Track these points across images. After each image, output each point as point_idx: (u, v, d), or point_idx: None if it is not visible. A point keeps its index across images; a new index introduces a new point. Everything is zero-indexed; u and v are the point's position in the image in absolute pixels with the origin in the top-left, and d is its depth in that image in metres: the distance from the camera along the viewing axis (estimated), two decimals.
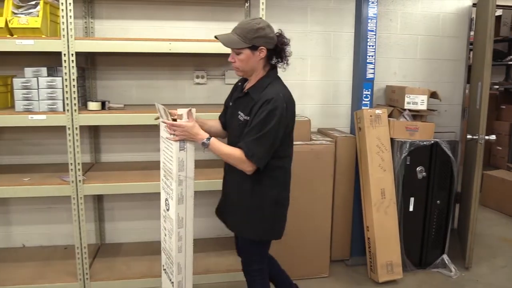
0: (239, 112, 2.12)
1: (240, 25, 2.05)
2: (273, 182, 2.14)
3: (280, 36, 2.12)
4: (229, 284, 2.52)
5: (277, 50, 2.09)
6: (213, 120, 2.40)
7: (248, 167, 2.01)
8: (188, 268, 2.31)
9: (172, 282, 2.32)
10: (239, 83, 2.30)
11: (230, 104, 2.28)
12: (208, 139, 2.05)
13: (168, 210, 2.28)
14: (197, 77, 3.45)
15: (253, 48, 2.03)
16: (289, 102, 2.08)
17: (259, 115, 1.98)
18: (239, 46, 2.02)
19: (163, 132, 2.24)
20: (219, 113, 2.45)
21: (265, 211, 2.15)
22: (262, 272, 2.29)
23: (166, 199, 2.30)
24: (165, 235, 2.36)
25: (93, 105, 2.84)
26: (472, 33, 3.95)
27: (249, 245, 2.25)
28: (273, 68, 2.16)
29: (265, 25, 2.03)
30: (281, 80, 2.16)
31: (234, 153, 2.02)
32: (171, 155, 2.15)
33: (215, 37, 2.08)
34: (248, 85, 2.17)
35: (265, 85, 2.07)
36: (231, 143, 2.14)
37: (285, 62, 2.15)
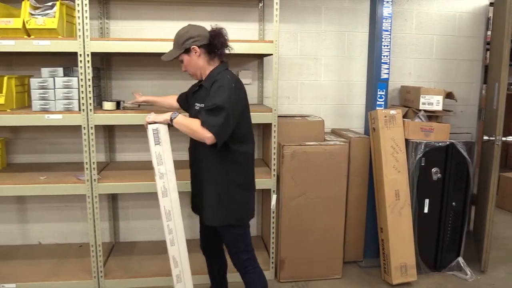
0: (196, 103, 2.31)
1: (173, 40, 2.30)
2: (237, 167, 2.29)
3: (212, 30, 2.28)
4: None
5: (212, 43, 2.25)
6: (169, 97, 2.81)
7: (205, 133, 2.10)
8: (184, 261, 2.36)
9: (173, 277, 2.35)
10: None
11: (189, 102, 2.49)
12: (175, 113, 2.24)
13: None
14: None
15: (187, 51, 2.25)
16: (237, 83, 2.24)
17: (211, 95, 2.17)
18: (176, 54, 2.28)
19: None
20: None
21: (232, 196, 2.28)
22: (252, 262, 2.39)
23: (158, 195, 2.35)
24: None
25: (108, 105, 2.87)
26: (489, 32, 3.89)
27: (229, 234, 2.34)
28: (222, 62, 2.33)
29: (188, 28, 2.27)
30: (231, 71, 2.34)
31: (194, 122, 2.17)
32: (151, 151, 2.26)
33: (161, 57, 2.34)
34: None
35: (215, 74, 2.26)
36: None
37: (226, 49, 2.31)
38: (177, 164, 2.35)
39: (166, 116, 2.23)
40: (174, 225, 2.31)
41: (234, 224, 2.30)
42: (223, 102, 2.11)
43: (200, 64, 2.27)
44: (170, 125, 2.26)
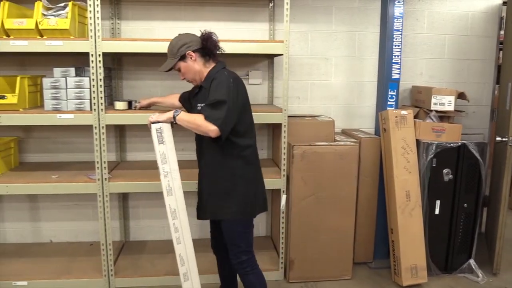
0: (198, 104, 2.34)
1: (167, 52, 2.35)
2: (244, 161, 2.33)
3: (202, 35, 2.33)
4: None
5: (205, 46, 2.31)
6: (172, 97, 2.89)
7: (210, 126, 2.15)
8: (191, 259, 2.38)
9: (180, 275, 2.36)
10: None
11: (191, 102, 2.51)
12: (177, 111, 2.29)
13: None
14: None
15: (183, 58, 2.31)
16: (235, 79, 2.28)
17: (211, 91, 2.23)
18: (173, 64, 2.32)
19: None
20: None
21: (239, 190, 2.32)
22: (252, 262, 2.40)
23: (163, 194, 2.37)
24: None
25: (120, 105, 2.89)
26: (502, 32, 3.85)
27: (231, 230, 2.35)
28: (219, 62, 2.38)
29: (180, 37, 2.33)
30: (228, 70, 2.37)
31: (197, 117, 2.21)
32: (155, 151, 2.28)
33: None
34: None
35: (213, 74, 2.31)
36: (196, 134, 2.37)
37: (218, 50, 2.36)
38: (183, 164, 2.37)
39: (169, 114, 2.28)
40: (180, 223, 2.33)
41: (239, 217, 2.32)
42: (223, 96, 2.17)
43: (197, 68, 2.32)
44: (173, 123, 2.29)
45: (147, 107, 2.96)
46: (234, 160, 2.31)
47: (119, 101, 2.92)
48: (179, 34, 2.37)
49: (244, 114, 2.31)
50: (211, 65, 2.35)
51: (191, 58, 2.30)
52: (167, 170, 2.30)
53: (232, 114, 2.20)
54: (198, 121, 2.19)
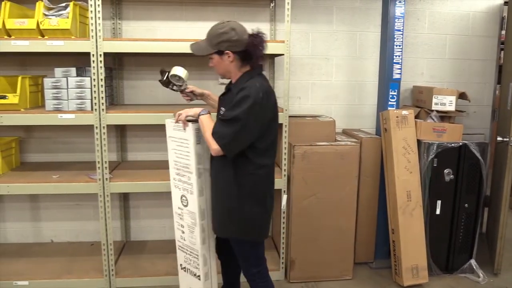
0: (222, 108, 2.18)
1: (209, 30, 2.12)
2: (256, 180, 2.15)
3: (252, 36, 2.11)
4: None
5: (248, 51, 2.09)
6: None
7: (213, 144, 2.04)
8: (213, 259, 2.40)
9: (199, 276, 2.37)
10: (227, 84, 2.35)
11: (219, 103, 2.33)
12: (204, 110, 2.16)
13: (186, 206, 2.34)
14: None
15: (220, 53, 2.10)
16: (266, 92, 2.07)
17: (233, 103, 2.03)
18: (206, 52, 2.12)
19: (173, 132, 2.34)
20: None
21: (246, 210, 2.15)
22: (262, 274, 2.31)
23: (183, 196, 2.36)
24: (183, 232, 2.42)
25: (179, 70, 2.51)
26: (503, 32, 3.84)
27: (240, 247, 2.26)
28: (256, 67, 2.16)
29: (228, 29, 2.05)
30: (264, 76, 2.19)
31: (208, 128, 2.09)
32: (188, 151, 2.24)
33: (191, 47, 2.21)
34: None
35: (244, 80, 2.11)
36: None
37: (257, 61, 2.14)
38: None
39: (197, 110, 2.17)
40: (207, 224, 2.33)
41: (245, 239, 2.22)
42: (241, 114, 1.99)
43: (230, 68, 2.14)
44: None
45: (194, 96, 2.63)
46: (245, 176, 2.13)
47: (179, 66, 2.53)
48: (228, 23, 2.08)
49: (268, 131, 2.12)
50: (247, 68, 2.14)
51: (228, 57, 2.09)
52: (201, 171, 2.26)
53: (244, 134, 2.02)
54: (207, 133, 2.08)
